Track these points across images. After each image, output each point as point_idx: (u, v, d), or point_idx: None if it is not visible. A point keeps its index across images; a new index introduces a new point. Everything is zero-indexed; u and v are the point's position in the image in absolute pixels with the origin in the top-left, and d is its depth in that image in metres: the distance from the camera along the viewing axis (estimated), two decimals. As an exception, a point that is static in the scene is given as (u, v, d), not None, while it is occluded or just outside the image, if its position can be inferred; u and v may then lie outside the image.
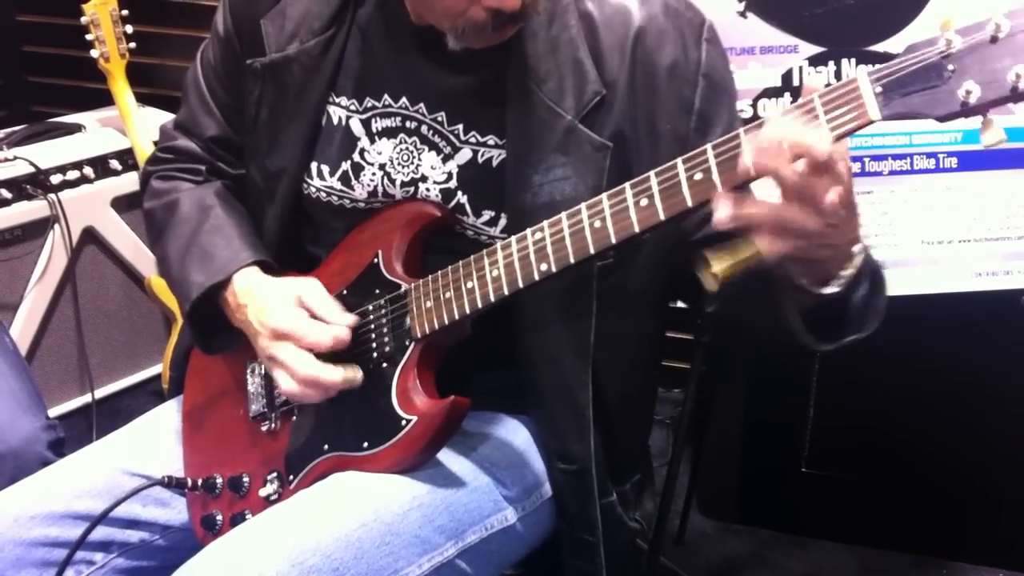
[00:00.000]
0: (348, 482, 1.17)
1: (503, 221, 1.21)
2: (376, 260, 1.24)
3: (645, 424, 1.40)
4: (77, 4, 2.46)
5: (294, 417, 1.28)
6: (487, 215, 1.22)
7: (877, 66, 0.92)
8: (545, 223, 1.09)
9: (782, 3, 1.76)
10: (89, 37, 2.46)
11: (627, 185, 1.04)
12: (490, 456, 1.26)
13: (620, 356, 1.24)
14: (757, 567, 2.25)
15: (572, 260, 1.07)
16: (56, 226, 2.45)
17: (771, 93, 1.79)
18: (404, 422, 1.15)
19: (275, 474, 1.27)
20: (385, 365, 1.20)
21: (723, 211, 0.95)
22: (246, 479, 1.29)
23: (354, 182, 1.27)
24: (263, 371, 1.32)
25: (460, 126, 1.22)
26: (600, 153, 1.15)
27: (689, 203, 0.99)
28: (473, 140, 1.22)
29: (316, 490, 1.18)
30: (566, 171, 1.15)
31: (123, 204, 2.59)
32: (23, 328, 2.45)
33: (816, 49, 1.77)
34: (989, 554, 2.21)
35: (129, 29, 2.50)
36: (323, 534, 1.08)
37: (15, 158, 2.40)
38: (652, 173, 1.02)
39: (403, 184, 1.25)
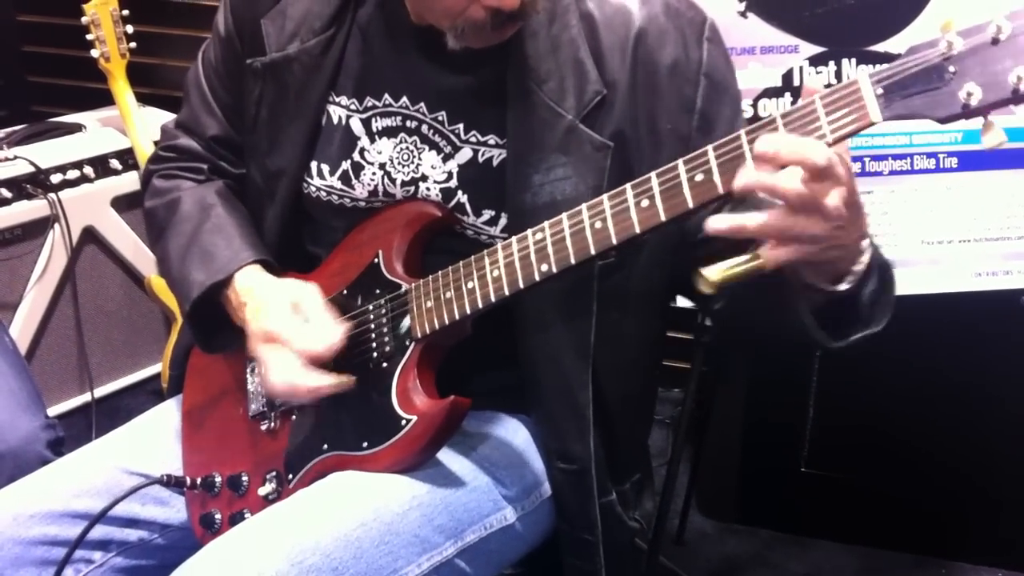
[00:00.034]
0: (347, 481, 1.17)
1: (503, 221, 1.21)
2: (376, 260, 1.24)
3: (645, 424, 1.40)
4: (77, 4, 2.46)
5: (294, 416, 1.28)
6: (487, 215, 1.22)
7: (878, 68, 0.92)
8: (546, 223, 1.09)
9: (782, 3, 1.76)
10: (89, 37, 2.46)
11: (628, 186, 1.04)
12: (489, 456, 1.26)
13: (621, 356, 1.24)
14: (757, 567, 2.25)
15: (573, 261, 1.07)
16: (56, 225, 2.45)
17: (771, 93, 1.79)
18: (404, 422, 1.15)
19: (274, 473, 1.27)
20: (385, 365, 1.20)
21: (719, 223, 0.95)
22: (245, 478, 1.29)
23: (354, 181, 1.27)
24: (263, 370, 1.32)
25: (460, 125, 1.22)
26: (601, 153, 1.15)
27: (690, 204, 0.99)
28: (473, 140, 1.22)
29: (315, 489, 1.18)
30: (567, 171, 1.15)
31: (123, 204, 2.59)
32: (23, 327, 2.45)
33: (816, 49, 1.77)
34: (989, 554, 2.21)
35: (129, 29, 2.50)
36: (322, 533, 1.08)
37: (15, 157, 2.40)
38: (653, 174, 1.02)
39: (403, 183, 1.25)
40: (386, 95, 1.25)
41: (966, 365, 2.09)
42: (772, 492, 2.34)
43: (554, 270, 1.09)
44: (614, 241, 1.04)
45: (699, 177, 0.98)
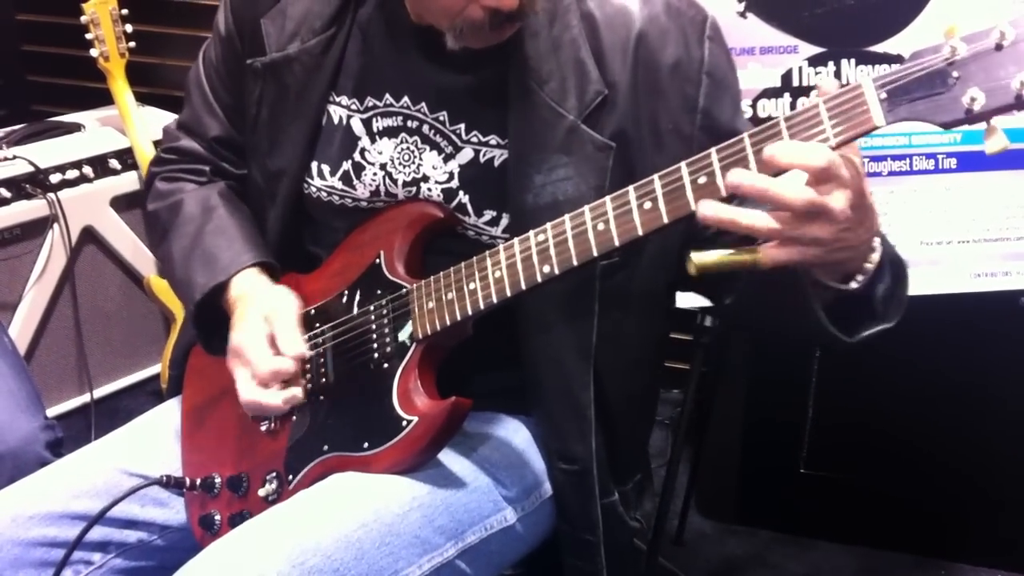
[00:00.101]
0: (348, 482, 1.17)
1: (504, 221, 1.21)
2: (378, 260, 1.24)
3: (647, 424, 1.40)
4: (77, 3, 2.46)
5: (294, 417, 1.27)
6: (488, 215, 1.22)
7: (882, 72, 0.92)
8: (548, 225, 1.09)
9: (782, 3, 1.76)
10: (89, 36, 2.46)
11: (631, 188, 1.04)
12: (490, 456, 1.26)
13: (623, 356, 1.24)
14: (756, 568, 2.25)
15: (575, 262, 1.07)
16: (55, 225, 2.45)
17: (771, 93, 1.79)
18: (405, 423, 1.15)
19: (274, 474, 1.26)
20: (386, 366, 1.20)
21: (710, 209, 0.95)
22: (245, 479, 1.29)
23: (356, 182, 1.27)
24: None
25: (462, 126, 1.22)
26: (603, 153, 1.15)
27: (692, 207, 0.99)
28: (475, 140, 1.22)
29: (316, 490, 1.17)
30: (568, 171, 1.15)
31: (122, 203, 2.59)
32: (22, 327, 2.45)
33: (816, 49, 1.77)
34: (989, 555, 2.21)
35: (129, 28, 2.50)
36: (323, 534, 1.08)
37: (14, 157, 2.40)
38: (656, 176, 1.02)
39: (405, 184, 1.25)
40: (387, 95, 1.25)
41: (966, 366, 2.09)
42: (771, 493, 2.34)
43: (556, 271, 1.09)
44: (616, 243, 1.04)
45: (702, 179, 0.98)
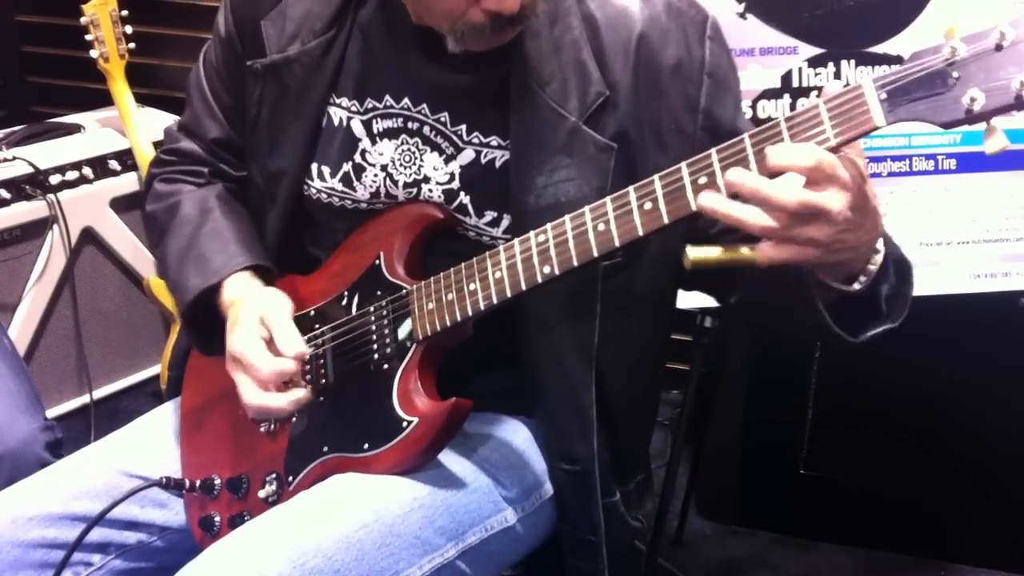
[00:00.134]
0: (348, 483, 1.17)
1: (506, 222, 1.21)
2: (378, 261, 1.24)
3: (649, 424, 1.40)
4: (77, 4, 2.45)
5: (293, 418, 1.27)
6: (490, 216, 1.22)
7: (882, 73, 0.93)
8: (548, 225, 1.09)
9: (782, 4, 1.76)
10: (89, 37, 2.46)
11: (631, 188, 1.04)
12: (490, 457, 1.26)
13: (625, 357, 1.24)
14: (756, 569, 2.25)
15: (575, 263, 1.07)
16: (55, 226, 2.45)
17: (771, 94, 1.79)
18: (405, 423, 1.15)
19: (274, 475, 1.26)
20: (386, 366, 1.20)
21: (710, 200, 0.95)
22: (245, 480, 1.29)
23: (356, 183, 1.27)
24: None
25: (463, 127, 1.22)
26: (604, 154, 1.15)
27: (693, 207, 0.99)
28: (476, 141, 1.22)
29: (316, 491, 1.18)
30: (570, 172, 1.15)
31: (122, 204, 2.58)
32: (21, 328, 2.45)
33: (816, 50, 1.77)
34: (989, 555, 2.21)
35: (129, 29, 2.50)
36: (324, 535, 1.08)
37: (14, 158, 2.40)
38: (656, 176, 1.02)
39: (406, 185, 1.25)
40: (387, 96, 1.25)
41: (965, 366, 2.09)
42: (771, 493, 2.34)
43: (556, 272, 1.09)
44: (617, 243, 1.05)
45: (702, 180, 0.98)
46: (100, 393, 2.61)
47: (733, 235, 1.00)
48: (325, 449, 1.22)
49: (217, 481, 1.31)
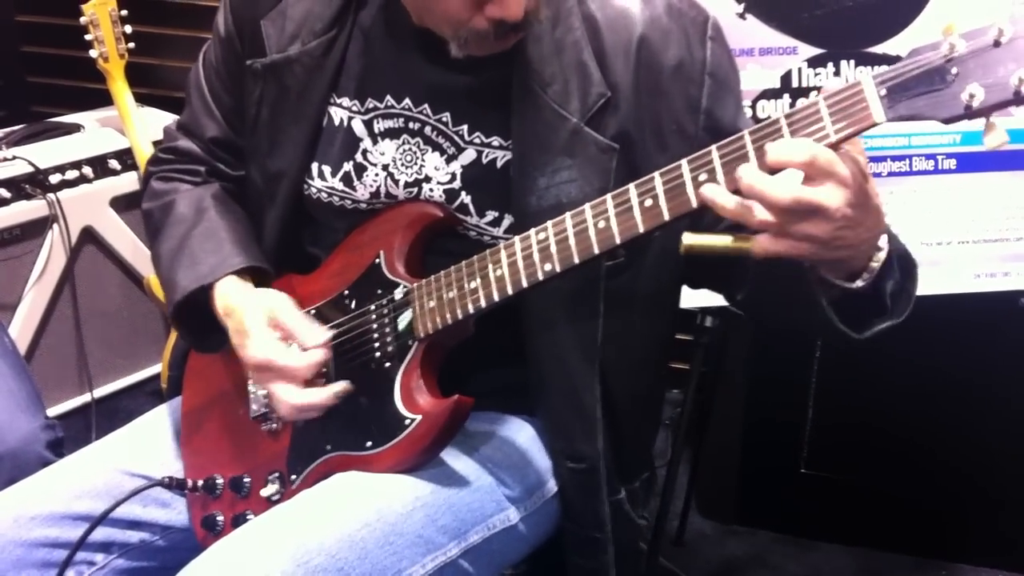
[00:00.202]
0: (351, 482, 1.17)
1: (507, 222, 1.21)
2: (378, 260, 1.24)
3: (653, 423, 1.40)
4: (76, 4, 2.45)
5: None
6: (491, 215, 1.22)
7: (881, 69, 0.93)
8: (549, 223, 1.09)
9: (781, 5, 1.76)
10: (88, 37, 2.46)
11: (632, 185, 1.04)
12: (492, 456, 1.26)
13: (628, 356, 1.25)
14: (756, 569, 2.25)
15: (576, 260, 1.08)
16: (55, 226, 2.45)
17: (770, 95, 1.79)
18: (408, 421, 1.15)
19: (277, 474, 1.26)
20: (388, 365, 1.20)
21: (712, 192, 0.96)
22: (247, 479, 1.29)
23: (356, 183, 1.27)
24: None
25: (464, 127, 1.22)
26: (606, 155, 1.15)
27: (694, 204, 0.99)
28: (477, 141, 1.22)
29: (319, 490, 1.18)
30: (572, 173, 1.16)
31: (122, 204, 2.59)
32: (22, 328, 2.45)
33: (815, 51, 1.77)
34: (990, 555, 2.21)
35: (128, 29, 2.50)
36: (327, 534, 1.08)
37: (14, 158, 2.40)
38: (657, 173, 1.02)
39: (407, 185, 1.25)
40: (388, 96, 1.25)
41: (966, 366, 2.09)
42: (772, 493, 2.34)
43: (557, 269, 1.09)
44: (618, 240, 1.05)
45: (703, 177, 0.99)
46: (101, 392, 2.61)
47: (734, 232, 1.00)
48: (328, 448, 1.22)
49: (219, 481, 1.31)
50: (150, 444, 1.39)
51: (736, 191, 0.96)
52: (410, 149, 1.25)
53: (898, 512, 2.21)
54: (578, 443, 1.23)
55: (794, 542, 2.30)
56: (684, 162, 1.00)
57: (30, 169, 2.39)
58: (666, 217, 1.02)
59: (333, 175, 1.28)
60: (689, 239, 1.02)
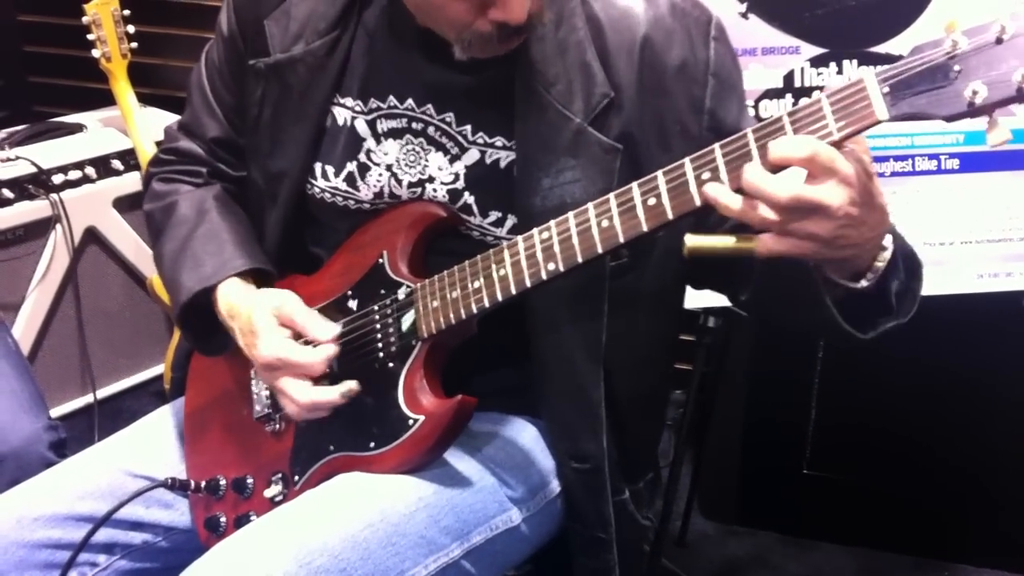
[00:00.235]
0: (354, 482, 1.17)
1: (510, 222, 1.21)
2: (381, 260, 1.24)
3: (657, 423, 1.40)
4: (78, 4, 2.45)
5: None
6: (494, 216, 1.22)
7: (884, 67, 0.93)
8: (552, 222, 1.09)
9: (783, 4, 1.76)
10: (91, 37, 2.46)
11: (635, 184, 1.04)
12: (495, 456, 1.26)
13: (633, 356, 1.24)
14: (758, 569, 2.25)
15: (580, 259, 1.08)
16: (58, 226, 2.45)
17: (773, 94, 1.79)
18: (411, 422, 1.15)
19: (280, 475, 1.26)
20: (391, 365, 1.20)
21: (715, 191, 0.96)
22: (250, 480, 1.29)
23: (360, 183, 1.27)
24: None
25: (468, 127, 1.22)
26: (610, 156, 1.15)
27: (697, 202, 0.99)
28: (481, 141, 1.22)
29: (322, 491, 1.18)
30: (575, 174, 1.16)
31: (125, 204, 2.59)
32: (25, 328, 2.45)
33: (818, 50, 1.77)
34: (991, 556, 2.21)
35: (131, 29, 2.49)
36: (330, 534, 1.08)
37: (17, 158, 2.40)
38: (660, 172, 1.02)
39: (410, 185, 1.25)
40: (391, 97, 1.25)
41: (969, 367, 2.09)
42: (773, 494, 2.34)
43: (561, 269, 1.09)
44: (621, 239, 1.05)
45: (706, 175, 0.99)
46: (104, 393, 2.61)
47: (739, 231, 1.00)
48: (331, 448, 1.22)
49: (222, 481, 1.31)
50: (153, 445, 1.39)
51: (739, 190, 0.96)
52: (413, 149, 1.25)
53: (900, 513, 2.21)
54: (583, 443, 1.23)
55: (796, 542, 2.30)
56: (687, 161, 1.00)
57: (33, 169, 2.39)
58: (670, 216, 1.01)
59: (336, 175, 1.28)
60: (692, 240, 1.02)
